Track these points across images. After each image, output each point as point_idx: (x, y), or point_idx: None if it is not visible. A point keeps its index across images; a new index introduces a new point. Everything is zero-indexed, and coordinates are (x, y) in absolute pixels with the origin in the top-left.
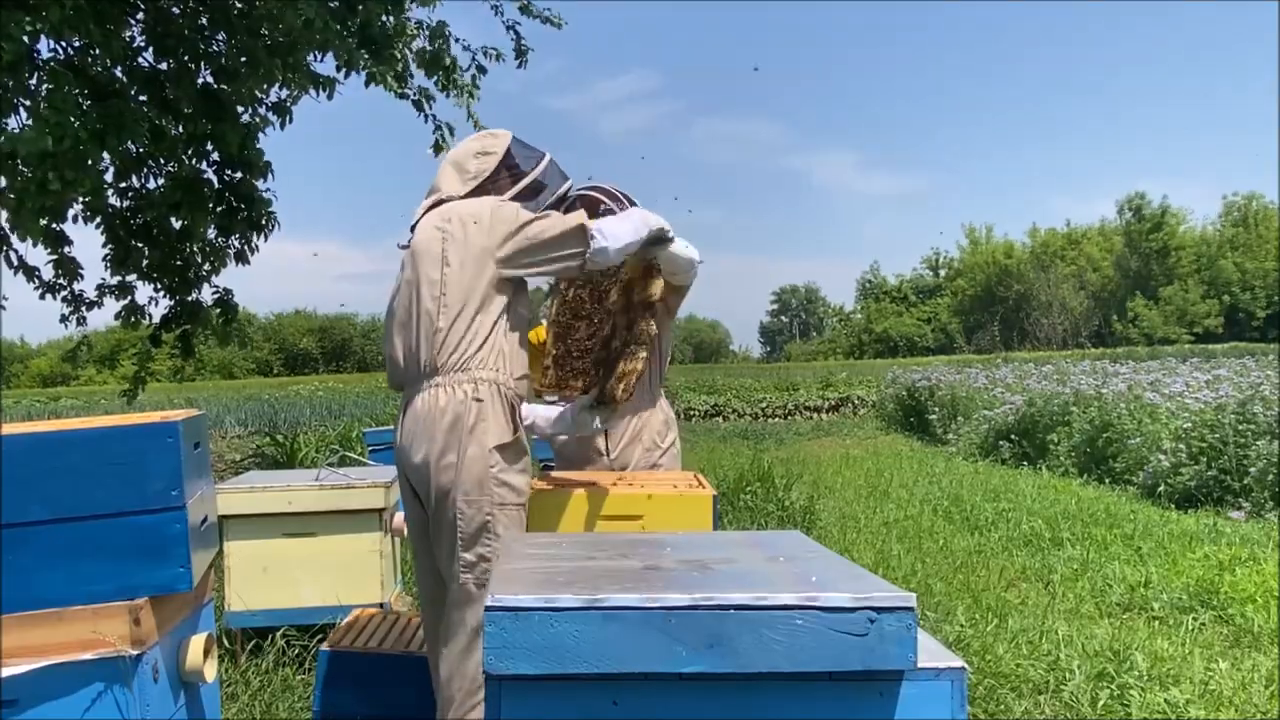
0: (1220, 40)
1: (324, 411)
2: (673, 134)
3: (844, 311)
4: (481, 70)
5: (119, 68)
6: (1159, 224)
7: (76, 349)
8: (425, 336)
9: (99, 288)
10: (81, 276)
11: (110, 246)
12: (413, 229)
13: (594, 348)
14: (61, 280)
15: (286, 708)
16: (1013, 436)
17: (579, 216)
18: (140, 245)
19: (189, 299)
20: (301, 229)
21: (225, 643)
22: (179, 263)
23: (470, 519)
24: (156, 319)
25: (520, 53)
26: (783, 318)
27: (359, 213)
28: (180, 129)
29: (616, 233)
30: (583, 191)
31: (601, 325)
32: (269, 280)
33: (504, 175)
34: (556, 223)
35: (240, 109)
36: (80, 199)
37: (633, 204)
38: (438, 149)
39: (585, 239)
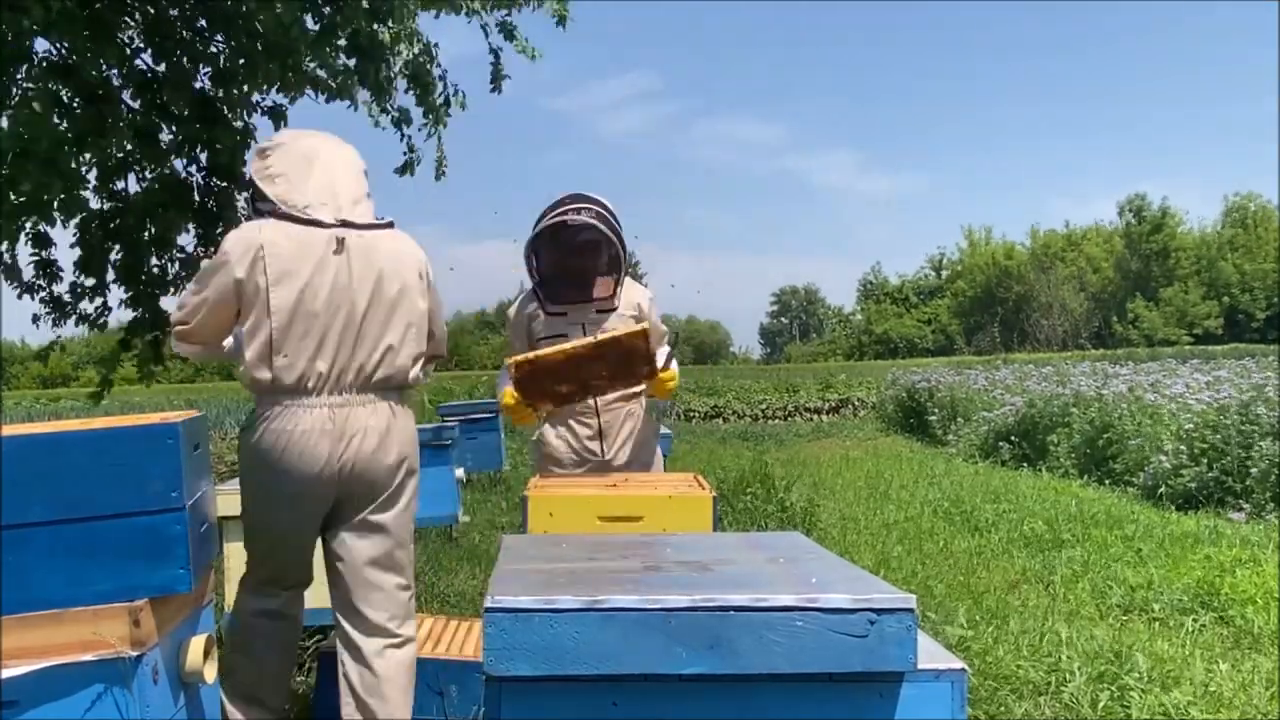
0: (1220, 40)
1: None
2: (672, 134)
3: (844, 313)
4: (455, 92)
5: (114, 70)
6: (1159, 225)
7: (48, 349)
8: None
9: (73, 286)
10: (60, 279)
11: (79, 250)
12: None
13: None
14: (41, 281)
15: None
16: (1013, 438)
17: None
18: (112, 248)
19: (157, 305)
20: None
21: (225, 643)
22: (156, 269)
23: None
24: (126, 324)
25: (496, 78)
26: (783, 319)
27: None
28: (174, 132)
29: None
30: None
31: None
32: None
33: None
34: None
35: (236, 112)
36: (54, 200)
37: (620, 226)
38: (404, 170)
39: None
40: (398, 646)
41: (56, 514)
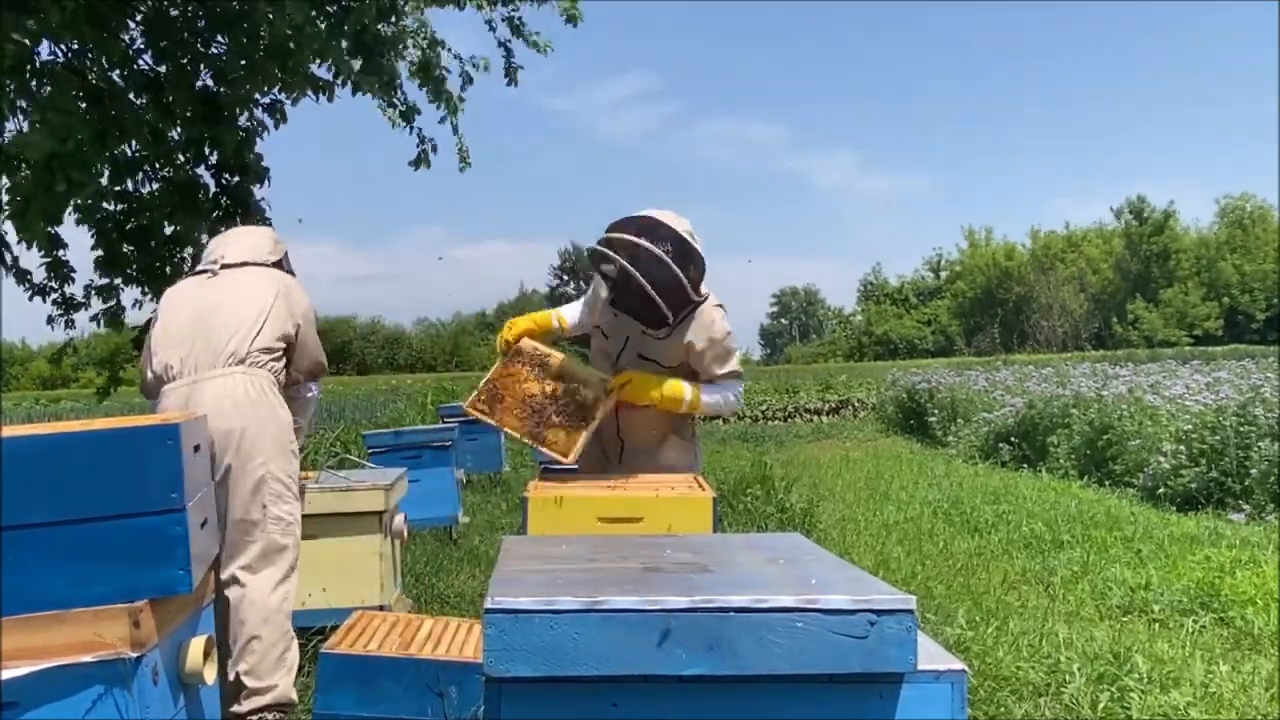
0: (1220, 40)
1: (324, 413)
2: (672, 134)
3: (844, 314)
4: (469, 80)
5: (117, 71)
6: (1160, 226)
7: (62, 351)
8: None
9: (86, 287)
10: (72, 280)
11: (100, 250)
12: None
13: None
14: (53, 283)
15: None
16: (1013, 439)
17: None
18: (130, 249)
19: None
20: (301, 229)
21: None
22: (168, 269)
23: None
24: (142, 322)
25: (510, 71)
26: (783, 320)
27: (358, 214)
28: (179, 132)
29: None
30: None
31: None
32: None
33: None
34: (320, 351)
35: (238, 111)
36: (76, 202)
37: (665, 256)
38: (418, 164)
39: (319, 373)
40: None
41: (56, 514)
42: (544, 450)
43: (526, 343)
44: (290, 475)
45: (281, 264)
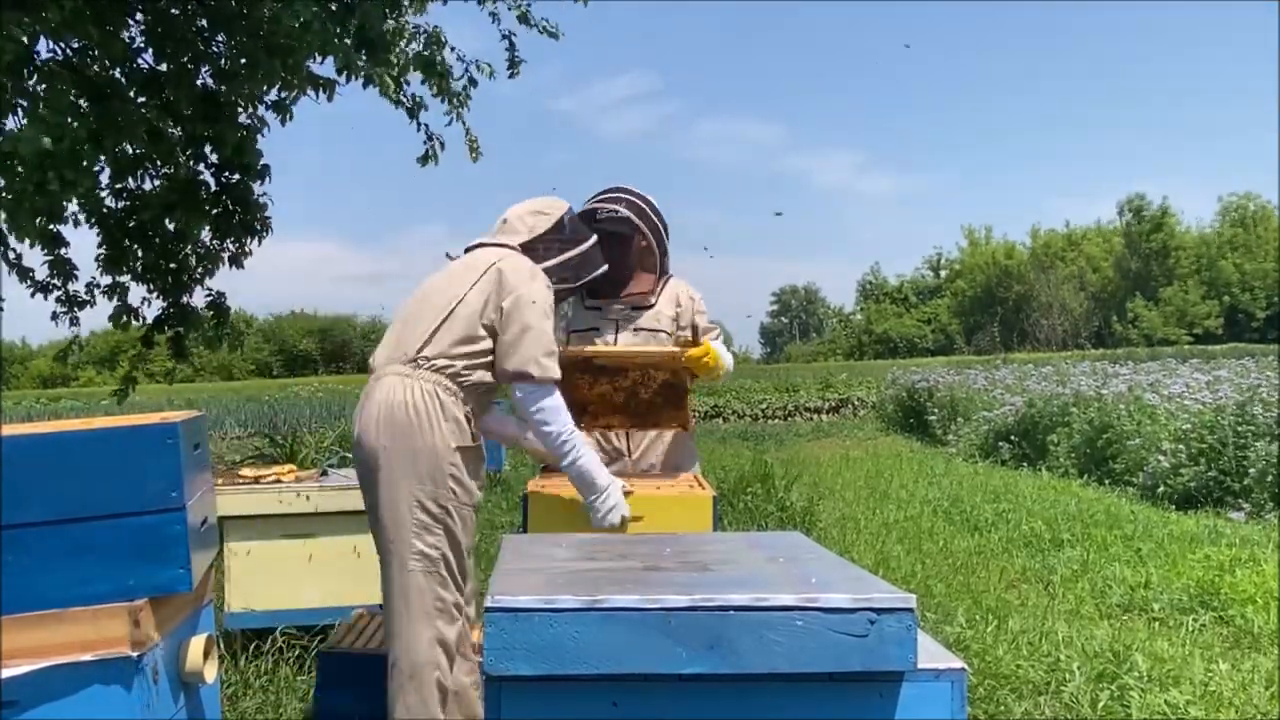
0: (1220, 40)
1: (324, 412)
2: (672, 134)
3: (844, 312)
4: (473, 83)
5: (118, 69)
6: (1159, 225)
7: (68, 349)
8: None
9: (89, 286)
10: (75, 277)
11: (105, 248)
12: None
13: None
14: (55, 281)
15: (287, 708)
16: (1012, 437)
17: (554, 373)
18: (134, 246)
19: (181, 302)
20: (299, 228)
21: (225, 644)
22: (173, 265)
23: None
24: (150, 320)
25: (513, 63)
26: (783, 319)
27: (358, 213)
28: (180, 130)
29: (539, 432)
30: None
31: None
32: (267, 280)
33: (552, 242)
34: (528, 352)
35: (239, 109)
36: (77, 200)
37: (658, 220)
38: (425, 160)
39: (528, 379)
40: None
41: (57, 514)
42: (660, 429)
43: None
44: (441, 503)
45: (534, 245)
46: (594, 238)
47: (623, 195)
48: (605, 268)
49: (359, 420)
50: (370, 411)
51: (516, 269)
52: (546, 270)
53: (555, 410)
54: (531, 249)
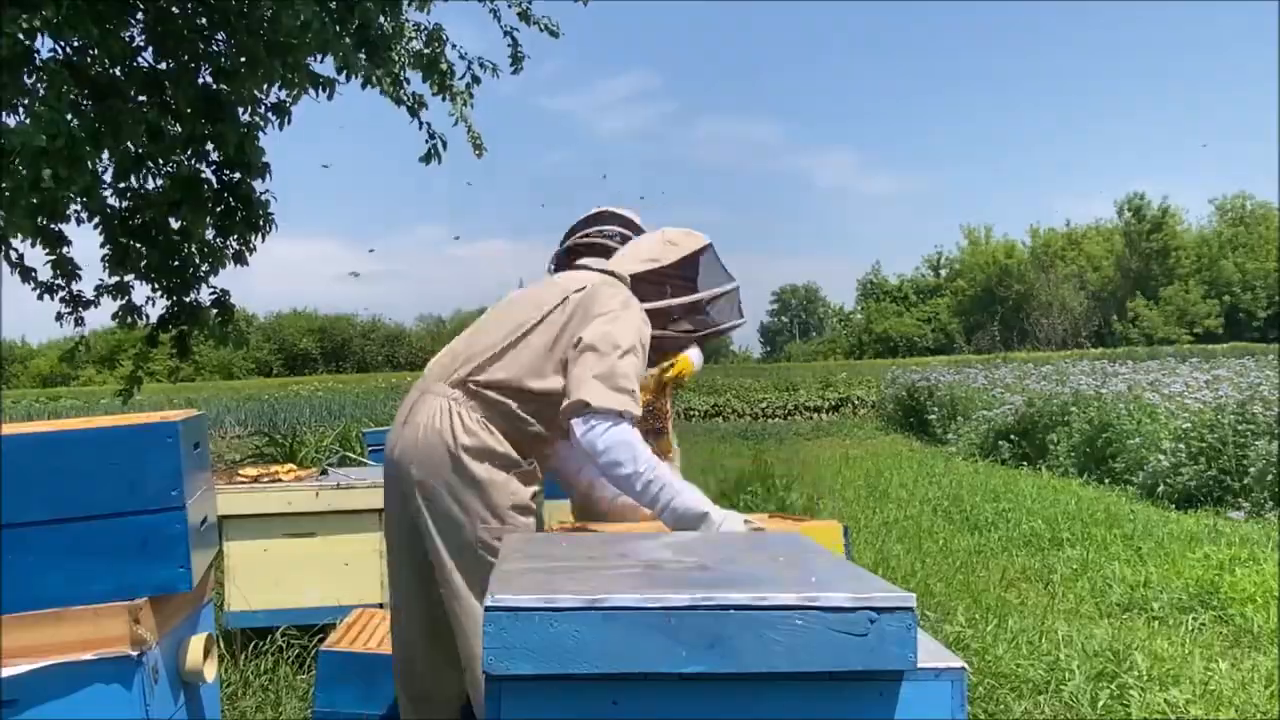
0: (1220, 40)
1: (324, 412)
2: (673, 134)
3: (844, 311)
4: (476, 80)
5: (118, 68)
6: (1159, 224)
7: (74, 349)
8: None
9: (96, 288)
10: (79, 277)
11: (108, 247)
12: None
13: None
14: (59, 280)
15: (287, 707)
16: (1012, 437)
17: (623, 404)
18: (138, 245)
19: (186, 300)
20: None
21: (224, 643)
22: (176, 263)
23: None
24: (154, 319)
25: (516, 59)
26: (783, 318)
27: (358, 213)
28: (180, 129)
29: (603, 466)
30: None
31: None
32: (266, 279)
33: (672, 278)
34: (590, 378)
35: (240, 109)
36: (76, 198)
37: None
38: (429, 158)
39: (584, 409)
40: None
41: (56, 513)
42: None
43: None
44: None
45: (646, 278)
46: (734, 283)
47: (612, 227)
48: (742, 321)
49: (398, 439)
50: (408, 436)
51: (607, 299)
52: (654, 312)
53: (625, 445)
54: (643, 281)
